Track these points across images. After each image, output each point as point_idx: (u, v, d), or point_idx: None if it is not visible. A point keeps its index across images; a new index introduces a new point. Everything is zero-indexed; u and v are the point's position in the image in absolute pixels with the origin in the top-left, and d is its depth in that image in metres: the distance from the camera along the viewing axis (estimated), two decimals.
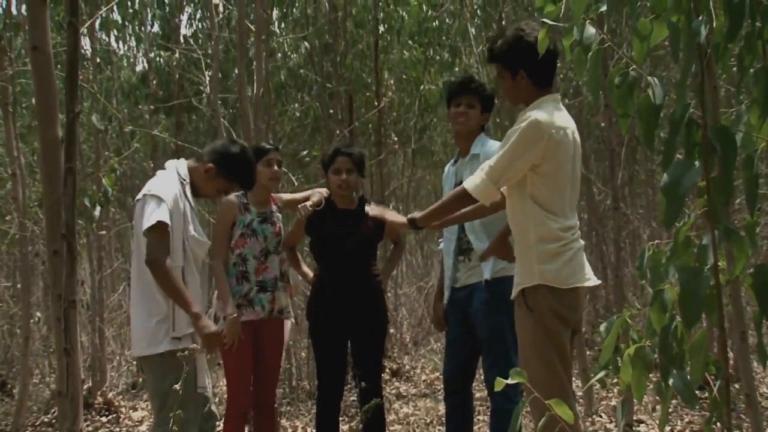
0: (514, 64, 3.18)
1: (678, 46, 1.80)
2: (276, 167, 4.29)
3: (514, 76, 3.20)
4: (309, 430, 5.72)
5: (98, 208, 3.72)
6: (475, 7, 8.90)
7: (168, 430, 3.20)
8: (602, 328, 2.27)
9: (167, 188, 3.40)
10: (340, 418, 4.54)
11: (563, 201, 3.12)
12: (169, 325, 3.34)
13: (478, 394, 6.07)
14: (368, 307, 4.30)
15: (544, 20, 2.21)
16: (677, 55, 1.82)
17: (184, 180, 3.50)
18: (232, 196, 4.30)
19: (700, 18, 1.73)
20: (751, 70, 1.77)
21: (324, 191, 4.42)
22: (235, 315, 4.04)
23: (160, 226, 3.28)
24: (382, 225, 4.36)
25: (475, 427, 5.24)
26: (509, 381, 2.13)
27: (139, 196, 3.46)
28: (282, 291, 4.29)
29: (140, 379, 7.60)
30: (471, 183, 3.13)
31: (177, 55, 8.64)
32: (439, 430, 5.58)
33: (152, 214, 3.29)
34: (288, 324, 4.38)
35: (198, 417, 3.37)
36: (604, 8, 1.99)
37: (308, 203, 4.31)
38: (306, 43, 8.43)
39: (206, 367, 3.41)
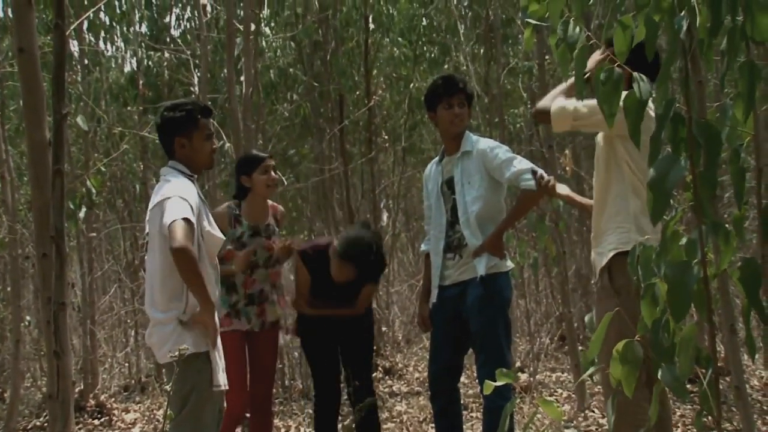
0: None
1: (654, 43, 1.82)
2: (273, 173, 4.22)
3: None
4: (302, 429, 5.72)
5: (83, 210, 3.69)
6: (465, 3, 8.92)
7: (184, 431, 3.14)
8: (587, 318, 2.28)
9: (186, 188, 3.17)
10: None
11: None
12: (181, 311, 3.14)
13: (470, 391, 6.09)
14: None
15: (529, 20, 2.21)
16: (652, 52, 1.85)
17: (191, 175, 3.29)
18: (224, 208, 4.21)
19: (682, 14, 1.74)
20: (736, 65, 1.79)
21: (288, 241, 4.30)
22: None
23: (186, 220, 3.03)
24: None
25: (469, 424, 5.26)
26: (498, 383, 2.13)
27: (153, 204, 3.19)
28: (271, 304, 4.19)
29: (132, 381, 7.58)
30: (556, 106, 3.17)
31: (166, 55, 8.62)
32: (431, 427, 5.58)
33: (177, 210, 3.04)
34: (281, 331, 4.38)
35: (216, 416, 3.29)
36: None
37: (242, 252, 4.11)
38: (292, 42, 8.41)
39: (223, 365, 3.26)
